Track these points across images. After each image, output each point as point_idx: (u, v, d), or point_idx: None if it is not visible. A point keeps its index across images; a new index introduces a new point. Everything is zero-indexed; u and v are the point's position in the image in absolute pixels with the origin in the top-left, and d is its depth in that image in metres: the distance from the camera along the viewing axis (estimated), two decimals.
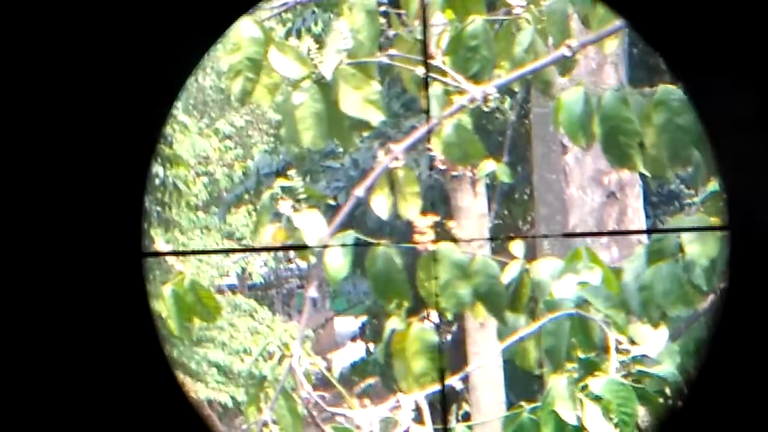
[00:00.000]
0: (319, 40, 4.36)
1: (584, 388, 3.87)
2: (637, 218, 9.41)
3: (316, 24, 13.04)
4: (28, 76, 2.40)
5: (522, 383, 10.42)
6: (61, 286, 2.40)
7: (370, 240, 4.16)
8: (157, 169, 15.06)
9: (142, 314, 2.43)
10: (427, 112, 4.21)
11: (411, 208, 4.21)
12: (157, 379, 2.45)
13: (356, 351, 16.65)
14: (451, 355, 11.81)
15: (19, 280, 2.40)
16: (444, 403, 4.03)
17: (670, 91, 3.99)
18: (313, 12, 13.07)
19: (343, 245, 4.10)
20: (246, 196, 15.43)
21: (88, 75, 2.41)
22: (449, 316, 4.28)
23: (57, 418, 2.42)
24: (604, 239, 9.16)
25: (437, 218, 4.17)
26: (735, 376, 2.39)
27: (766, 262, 2.38)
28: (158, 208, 15.41)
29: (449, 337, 13.07)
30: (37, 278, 2.40)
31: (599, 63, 8.77)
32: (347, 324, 18.88)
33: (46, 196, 2.40)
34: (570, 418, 3.84)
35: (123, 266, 2.41)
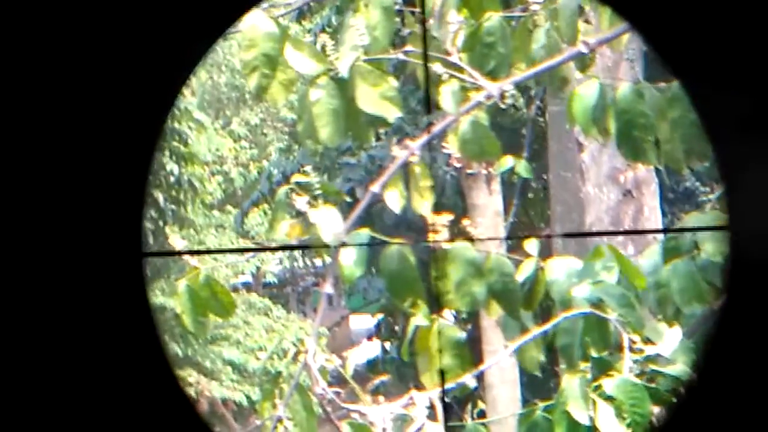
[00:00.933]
0: (334, 37, 4.35)
1: (597, 387, 3.85)
2: (653, 216, 9.38)
3: (330, 27, 13.06)
4: (29, 75, 2.40)
5: (538, 381, 10.40)
6: (61, 285, 2.40)
7: (385, 238, 4.15)
8: (172, 166, 15.08)
9: (142, 314, 2.42)
10: (427, 106, 4.20)
11: (424, 203, 4.20)
12: (157, 378, 2.45)
13: (372, 349, 16.64)
14: None
15: (19, 280, 2.39)
16: (445, 402, 4.02)
17: None
18: (329, 14, 13.09)
19: (349, 244, 4.09)
20: (262, 196, 15.43)
21: (89, 74, 2.41)
22: (463, 314, 4.28)
23: (57, 417, 2.42)
24: (621, 237, 9.14)
25: (452, 216, 4.16)
26: (735, 375, 2.38)
27: (766, 262, 2.37)
28: (173, 206, 15.42)
29: (465, 335, 13.05)
30: (37, 278, 2.40)
31: (615, 60, 8.75)
32: (363, 322, 18.87)
33: (47, 196, 2.40)
34: (582, 418, 3.82)
35: (123, 266, 2.40)
